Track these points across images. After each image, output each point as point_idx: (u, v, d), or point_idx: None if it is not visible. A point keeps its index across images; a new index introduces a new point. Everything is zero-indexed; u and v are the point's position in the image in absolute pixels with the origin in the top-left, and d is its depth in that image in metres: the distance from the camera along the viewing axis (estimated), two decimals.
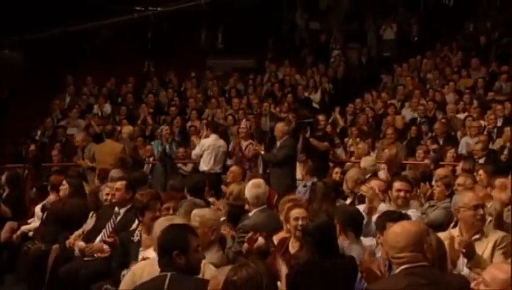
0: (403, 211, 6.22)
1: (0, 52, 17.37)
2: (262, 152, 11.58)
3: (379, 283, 4.34)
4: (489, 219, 6.47)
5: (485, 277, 3.99)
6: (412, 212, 6.55)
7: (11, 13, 16.41)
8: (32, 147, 13.86)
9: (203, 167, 11.88)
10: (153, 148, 13.74)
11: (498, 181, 7.16)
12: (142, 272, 4.90)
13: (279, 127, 11.38)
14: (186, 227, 4.48)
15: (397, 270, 4.00)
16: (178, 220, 5.31)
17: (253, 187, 7.07)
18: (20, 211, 9.64)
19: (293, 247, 5.71)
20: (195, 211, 5.82)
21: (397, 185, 6.98)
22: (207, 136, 12.14)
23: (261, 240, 5.85)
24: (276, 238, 6.04)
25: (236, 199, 7.32)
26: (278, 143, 11.23)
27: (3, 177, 10.55)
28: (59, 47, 17.21)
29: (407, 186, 7.00)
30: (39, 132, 14.89)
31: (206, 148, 11.95)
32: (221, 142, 12.22)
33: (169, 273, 4.04)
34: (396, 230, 4.11)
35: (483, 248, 5.26)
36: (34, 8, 16.74)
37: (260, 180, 7.50)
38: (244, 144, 12.57)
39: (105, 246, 7.07)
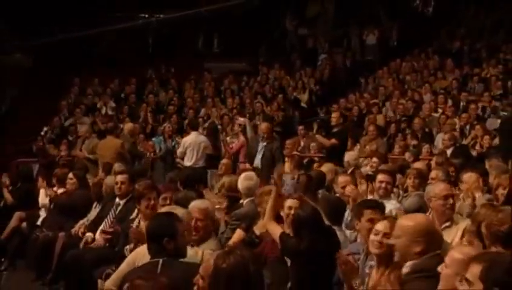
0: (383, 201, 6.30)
1: (12, 55, 17.34)
2: None
3: None
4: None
5: (446, 260, 4.00)
6: (392, 204, 6.56)
7: (23, 19, 16.38)
8: (40, 142, 13.83)
9: (187, 162, 11.85)
10: (155, 143, 13.72)
11: (466, 175, 7.01)
12: (143, 256, 4.92)
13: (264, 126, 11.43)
14: (172, 214, 4.48)
15: None
16: (179, 210, 5.30)
17: (245, 179, 7.13)
18: (29, 202, 9.55)
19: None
20: (196, 204, 5.81)
21: (380, 177, 6.93)
22: (188, 134, 12.13)
23: (239, 232, 5.86)
24: (256, 229, 6.02)
25: (228, 190, 7.30)
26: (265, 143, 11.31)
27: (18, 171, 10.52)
28: (66, 51, 17.20)
29: (389, 179, 6.94)
30: (44, 129, 14.74)
31: (188, 146, 11.95)
32: (202, 138, 12.23)
33: (161, 259, 4.05)
34: None
35: (453, 236, 5.22)
36: (44, 15, 16.69)
37: (252, 173, 7.55)
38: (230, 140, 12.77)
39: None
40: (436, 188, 5.66)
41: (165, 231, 4.15)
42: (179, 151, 12.21)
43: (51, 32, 15.91)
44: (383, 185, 6.80)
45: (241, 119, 13.61)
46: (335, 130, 12.16)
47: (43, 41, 16.06)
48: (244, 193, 7.00)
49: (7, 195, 9.71)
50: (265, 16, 19.59)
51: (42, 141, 14.02)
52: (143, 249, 5.02)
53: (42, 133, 14.04)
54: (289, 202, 5.69)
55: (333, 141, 11.73)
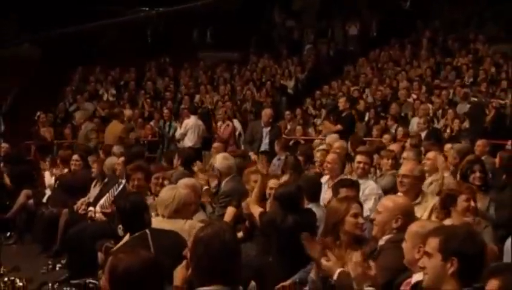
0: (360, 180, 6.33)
1: (21, 47, 17.31)
2: None
3: None
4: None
5: (378, 207, 4.03)
6: (369, 184, 6.56)
7: (31, 14, 16.32)
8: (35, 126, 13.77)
9: (188, 143, 11.89)
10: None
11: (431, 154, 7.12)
12: None
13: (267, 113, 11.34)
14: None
15: None
16: (180, 188, 5.33)
17: (223, 159, 7.15)
18: (25, 181, 9.56)
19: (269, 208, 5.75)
20: (184, 181, 5.84)
21: (358, 157, 6.94)
22: (188, 117, 12.11)
23: (231, 209, 5.88)
24: (244, 203, 6.05)
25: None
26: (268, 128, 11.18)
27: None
28: (71, 42, 17.10)
29: (367, 159, 6.94)
30: (38, 113, 14.58)
31: (190, 128, 11.97)
32: (200, 121, 12.29)
33: (147, 230, 4.10)
34: None
35: (422, 212, 5.27)
36: (51, 10, 16.59)
37: (227, 154, 7.58)
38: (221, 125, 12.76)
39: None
40: (406, 167, 5.69)
41: (142, 205, 4.39)
42: (180, 133, 12.24)
43: (57, 26, 15.83)
44: (361, 165, 6.80)
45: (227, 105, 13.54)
46: (343, 115, 12.09)
47: (50, 34, 16.03)
48: (224, 171, 7.00)
49: (6, 179, 9.66)
50: (255, 9, 19.57)
51: (37, 124, 13.92)
52: None
53: (36, 117, 13.85)
54: (271, 183, 5.73)
55: (339, 126, 11.62)
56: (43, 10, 16.59)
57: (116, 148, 8.98)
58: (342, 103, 12.22)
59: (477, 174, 5.99)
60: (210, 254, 3.13)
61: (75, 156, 8.73)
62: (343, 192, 5.02)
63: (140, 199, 4.55)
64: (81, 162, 8.62)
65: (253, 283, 5.02)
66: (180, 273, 3.58)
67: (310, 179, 6.12)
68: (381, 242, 3.99)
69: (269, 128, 11.41)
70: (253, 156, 10.29)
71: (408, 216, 3.97)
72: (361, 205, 4.35)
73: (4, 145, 10.15)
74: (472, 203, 4.53)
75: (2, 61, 16.20)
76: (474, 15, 17.74)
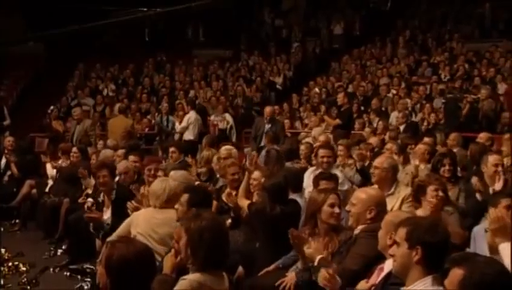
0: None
1: (27, 44, 17.21)
2: None
3: None
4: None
5: (352, 199, 4.04)
6: (338, 172, 6.60)
7: (36, 13, 16.23)
8: (47, 119, 13.74)
9: (190, 136, 11.83)
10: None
11: (420, 146, 7.17)
12: (138, 217, 4.96)
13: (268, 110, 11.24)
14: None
15: None
16: (171, 180, 5.34)
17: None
18: (31, 171, 9.54)
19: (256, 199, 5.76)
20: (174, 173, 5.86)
21: (320, 152, 6.86)
22: (187, 112, 12.07)
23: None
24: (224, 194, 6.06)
25: (205, 162, 7.32)
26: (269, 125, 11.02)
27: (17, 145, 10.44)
28: (72, 40, 17.01)
29: (329, 153, 6.87)
30: (51, 107, 14.57)
31: (192, 122, 11.93)
32: (198, 116, 12.23)
33: None
34: None
35: (394, 202, 5.27)
36: (55, 10, 16.50)
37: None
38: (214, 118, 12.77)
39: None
40: (377, 159, 5.71)
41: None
42: (182, 126, 12.11)
43: (61, 25, 15.75)
44: (324, 159, 6.75)
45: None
46: (342, 110, 12.04)
47: (54, 32, 15.92)
48: None
49: (13, 168, 9.63)
50: (246, 9, 19.51)
51: (49, 118, 13.90)
52: (139, 213, 5.09)
53: (49, 111, 13.83)
54: (254, 175, 5.74)
55: (337, 121, 11.54)
56: (48, 10, 16.49)
57: (110, 142, 8.95)
58: (340, 98, 12.16)
59: (447, 167, 6.04)
60: (205, 244, 3.17)
61: (74, 149, 8.75)
62: (323, 184, 5.04)
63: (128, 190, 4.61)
64: (79, 154, 8.62)
65: (240, 268, 5.08)
66: (168, 262, 3.60)
67: (293, 171, 6.14)
68: (356, 231, 4.01)
69: (269, 125, 11.35)
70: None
71: (381, 207, 3.99)
72: (339, 196, 4.38)
73: (10, 138, 10.09)
74: (440, 193, 4.54)
75: (9, 58, 16.16)
76: (450, 15, 17.75)
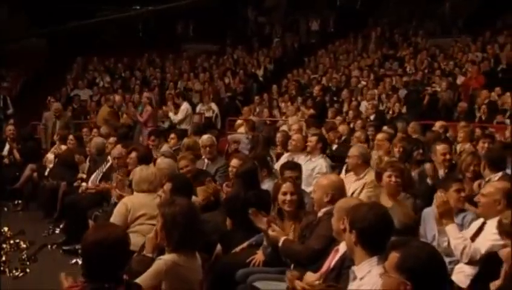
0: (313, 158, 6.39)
1: (30, 40, 17.05)
2: None
3: None
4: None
5: (314, 186, 4.04)
6: (301, 159, 6.65)
7: (39, 10, 16.04)
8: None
9: (186, 126, 11.66)
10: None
11: (379, 135, 7.16)
12: (132, 202, 4.90)
13: None
14: None
15: None
16: (150, 168, 5.32)
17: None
18: (31, 157, 9.49)
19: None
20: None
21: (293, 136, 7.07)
22: (179, 104, 11.91)
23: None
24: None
25: (186, 149, 7.29)
26: None
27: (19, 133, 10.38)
28: (71, 36, 16.83)
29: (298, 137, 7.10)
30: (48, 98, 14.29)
31: (189, 114, 11.84)
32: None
33: None
34: None
35: (357, 187, 5.33)
36: (56, 8, 16.31)
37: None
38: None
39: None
40: (352, 149, 5.76)
41: None
42: (179, 118, 11.87)
43: (61, 22, 15.60)
44: (293, 142, 7.01)
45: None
46: (316, 101, 12.09)
47: (54, 29, 15.83)
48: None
49: (16, 154, 9.58)
50: (231, 7, 19.38)
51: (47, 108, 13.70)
52: (129, 198, 5.05)
53: (47, 101, 13.66)
54: (233, 162, 5.75)
55: (311, 111, 11.63)
56: (50, 8, 16.31)
57: (103, 129, 8.91)
58: (316, 90, 12.21)
59: (420, 150, 6.12)
60: (178, 227, 3.19)
61: (70, 136, 8.70)
62: (287, 173, 5.06)
63: None
64: (75, 141, 8.58)
65: (219, 246, 5.11)
66: (149, 243, 3.62)
67: (262, 156, 6.15)
68: (320, 214, 4.05)
69: None
70: None
71: (336, 190, 3.98)
72: (295, 184, 4.38)
73: (10, 127, 10.00)
74: (393, 179, 4.57)
75: (13, 53, 15.95)
76: (416, 13, 17.76)
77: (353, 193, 5.19)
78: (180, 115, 11.93)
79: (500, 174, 4.96)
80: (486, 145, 6.45)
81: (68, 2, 16.57)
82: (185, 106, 11.91)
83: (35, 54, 17.14)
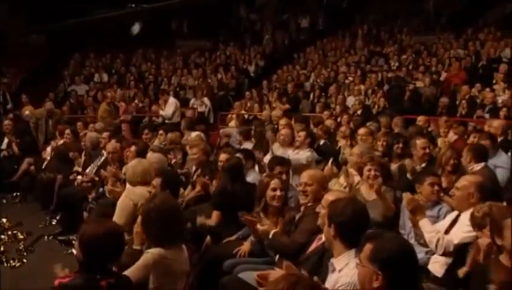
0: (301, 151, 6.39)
1: (30, 36, 17.04)
2: None
3: None
4: None
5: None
6: (307, 154, 6.64)
7: (38, 9, 15.92)
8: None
9: (178, 119, 11.57)
10: None
11: (361, 130, 7.16)
12: (135, 193, 4.78)
13: None
14: None
15: None
16: (145, 161, 5.30)
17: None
18: (29, 150, 9.46)
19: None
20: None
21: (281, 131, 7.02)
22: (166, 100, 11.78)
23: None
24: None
25: (170, 143, 7.26)
26: None
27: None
28: (69, 33, 16.75)
29: (287, 132, 7.02)
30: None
31: (179, 107, 11.77)
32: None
33: None
34: None
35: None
36: (55, 5, 16.19)
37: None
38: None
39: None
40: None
41: None
42: (169, 112, 11.53)
43: (60, 19, 15.61)
44: (281, 137, 6.97)
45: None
46: (290, 96, 12.11)
47: (53, 25, 15.89)
48: None
49: (14, 147, 9.55)
50: (224, 5, 19.29)
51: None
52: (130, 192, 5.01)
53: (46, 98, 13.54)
54: (221, 157, 5.75)
55: (287, 106, 11.64)
56: (48, 6, 16.19)
57: (98, 125, 8.89)
58: (290, 87, 12.25)
59: (400, 145, 6.14)
60: (153, 223, 3.19)
61: (67, 131, 8.66)
62: (277, 169, 5.05)
63: None
64: (71, 136, 8.55)
65: (208, 238, 5.12)
66: (137, 236, 3.62)
67: (247, 151, 6.16)
68: (303, 208, 4.04)
69: None
70: None
71: (320, 184, 4.00)
72: (281, 181, 4.37)
73: (7, 121, 9.96)
74: (372, 173, 4.59)
75: (13, 48, 15.87)
76: (401, 11, 17.76)
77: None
78: (168, 110, 11.74)
79: (482, 164, 5.04)
80: (476, 139, 6.53)
81: (66, 1, 16.52)
82: (172, 100, 11.82)
83: (35, 50, 17.07)
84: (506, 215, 2.85)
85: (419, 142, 5.52)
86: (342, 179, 5.41)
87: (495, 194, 3.97)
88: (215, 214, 5.02)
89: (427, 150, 5.41)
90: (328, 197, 3.45)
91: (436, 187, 4.18)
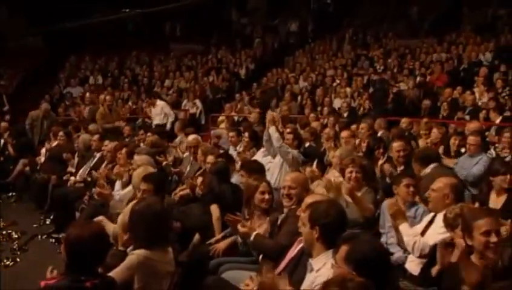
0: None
1: (27, 38, 16.96)
2: None
3: None
4: None
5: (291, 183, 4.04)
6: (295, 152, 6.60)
7: (36, 12, 15.81)
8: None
9: (164, 121, 11.49)
10: None
11: (344, 132, 7.14)
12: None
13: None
14: None
15: None
16: (150, 168, 5.28)
17: None
18: (25, 152, 9.41)
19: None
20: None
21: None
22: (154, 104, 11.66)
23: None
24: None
25: (151, 146, 7.24)
26: None
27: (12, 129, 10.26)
28: (65, 36, 16.70)
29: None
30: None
31: (168, 111, 11.71)
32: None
33: None
34: None
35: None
36: (52, 9, 16.12)
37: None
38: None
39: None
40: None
41: None
42: (158, 116, 11.33)
43: (57, 22, 15.61)
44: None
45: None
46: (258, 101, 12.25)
47: (50, 28, 15.91)
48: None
49: (10, 149, 9.50)
50: (216, 9, 19.28)
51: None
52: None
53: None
54: (208, 158, 5.73)
55: (258, 109, 11.68)
56: (45, 9, 16.12)
57: (91, 126, 8.86)
58: (257, 93, 12.34)
59: (381, 149, 6.15)
60: (136, 225, 3.18)
61: (60, 133, 8.62)
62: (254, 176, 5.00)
63: None
64: (65, 138, 8.51)
65: (197, 236, 5.11)
66: (121, 238, 3.61)
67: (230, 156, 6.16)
68: (286, 210, 4.04)
69: None
70: None
71: (303, 187, 4.00)
72: (269, 184, 4.37)
73: (4, 123, 9.91)
74: (353, 174, 4.60)
75: (11, 50, 15.79)
76: (387, 16, 17.81)
77: None
78: (157, 113, 11.61)
79: (432, 165, 5.09)
80: (457, 142, 6.57)
81: (63, 3, 16.46)
82: (162, 104, 11.75)
83: (32, 52, 17.00)
84: (476, 216, 2.87)
85: (395, 145, 5.54)
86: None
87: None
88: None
89: (402, 153, 5.42)
90: (308, 200, 3.43)
91: (411, 188, 4.20)
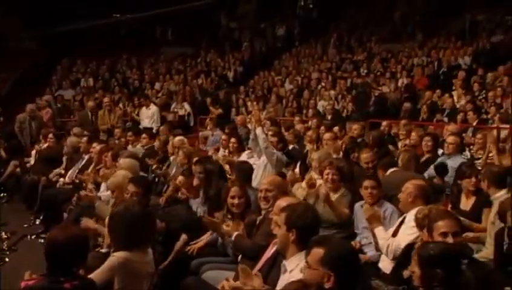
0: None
1: (23, 41, 16.83)
2: None
3: None
4: None
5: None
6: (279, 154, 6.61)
7: (30, 15, 15.71)
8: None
9: (151, 125, 11.44)
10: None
11: (326, 135, 7.14)
12: None
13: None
14: None
15: None
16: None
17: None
18: (16, 154, 9.35)
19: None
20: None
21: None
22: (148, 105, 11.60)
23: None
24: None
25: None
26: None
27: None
28: (58, 39, 16.61)
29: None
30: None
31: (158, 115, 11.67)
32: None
33: None
34: None
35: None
36: (45, 13, 16.01)
37: None
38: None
39: None
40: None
41: None
42: (148, 119, 11.44)
43: (50, 26, 15.52)
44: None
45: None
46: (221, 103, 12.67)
47: (44, 32, 15.84)
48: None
49: (1, 151, 9.44)
50: (206, 14, 19.26)
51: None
52: None
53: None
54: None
55: (220, 110, 12.13)
56: (39, 12, 16.02)
57: (75, 129, 8.83)
58: (221, 94, 12.57)
59: (355, 154, 6.17)
60: (115, 228, 3.19)
61: (50, 135, 8.59)
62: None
63: None
64: (54, 140, 8.48)
65: (184, 235, 5.10)
66: (107, 239, 3.60)
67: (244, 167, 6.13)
68: (263, 212, 4.06)
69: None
70: None
71: (280, 190, 4.02)
72: (242, 188, 4.35)
73: None
74: (330, 176, 4.63)
75: (5, 53, 15.65)
76: (370, 21, 17.91)
77: None
78: (147, 116, 11.55)
79: (391, 169, 5.22)
80: (429, 143, 6.61)
81: (58, 6, 16.38)
82: (153, 108, 11.70)
83: (26, 54, 16.89)
84: (437, 217, 2.92)
85: (363, 156, 5.61)
86: (304, 184, 5.41)
87: None
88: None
89: (370, 165, 5.47)
90: (281, 202, 3.42)
91: (370, 190, 4.25)
